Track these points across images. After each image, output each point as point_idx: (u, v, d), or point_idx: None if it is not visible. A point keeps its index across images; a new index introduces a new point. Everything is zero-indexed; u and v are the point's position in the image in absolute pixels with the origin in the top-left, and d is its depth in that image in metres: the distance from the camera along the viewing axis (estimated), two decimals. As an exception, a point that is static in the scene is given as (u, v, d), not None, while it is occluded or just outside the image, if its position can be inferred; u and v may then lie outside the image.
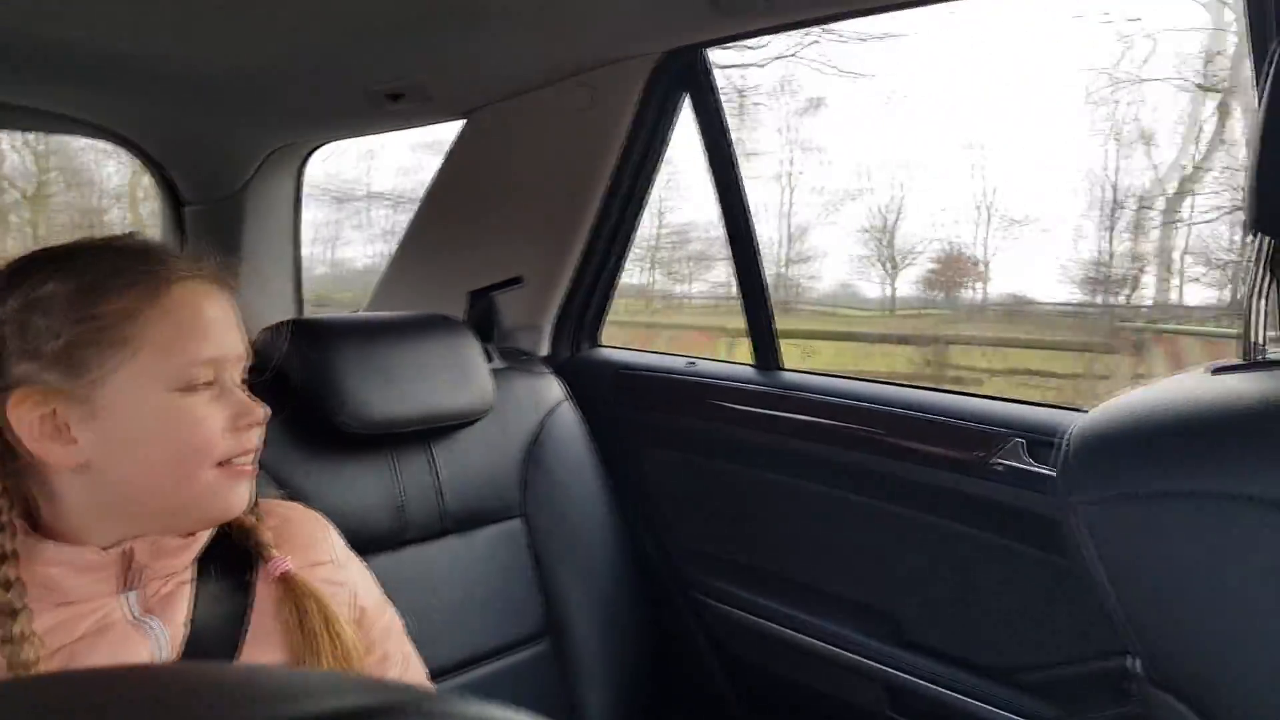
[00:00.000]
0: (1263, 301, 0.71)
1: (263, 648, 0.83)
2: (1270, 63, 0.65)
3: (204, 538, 0.84)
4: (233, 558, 0.87)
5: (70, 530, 0.77)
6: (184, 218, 2.16)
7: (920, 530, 1.37)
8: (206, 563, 0.84)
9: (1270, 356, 0.70)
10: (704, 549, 1.66)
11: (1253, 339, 0.71)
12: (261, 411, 0.81)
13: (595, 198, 1.76)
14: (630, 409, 1.76)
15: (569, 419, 1.62)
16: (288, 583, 0.86)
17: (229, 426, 0.79)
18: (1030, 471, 1.23)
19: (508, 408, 1.53)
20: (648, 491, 1.72)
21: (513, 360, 1.68)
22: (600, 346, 1.94)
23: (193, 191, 2.15)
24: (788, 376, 1.62)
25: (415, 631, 1.28)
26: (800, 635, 1.48)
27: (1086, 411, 0.77)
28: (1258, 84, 0.93)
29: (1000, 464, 1.26)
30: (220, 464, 0.79)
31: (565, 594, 1.48)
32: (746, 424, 1.59)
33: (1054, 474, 1.19)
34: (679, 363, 1.78)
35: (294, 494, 1.22)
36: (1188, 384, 0.71)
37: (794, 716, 1.59)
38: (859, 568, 1.46)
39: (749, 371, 1.67)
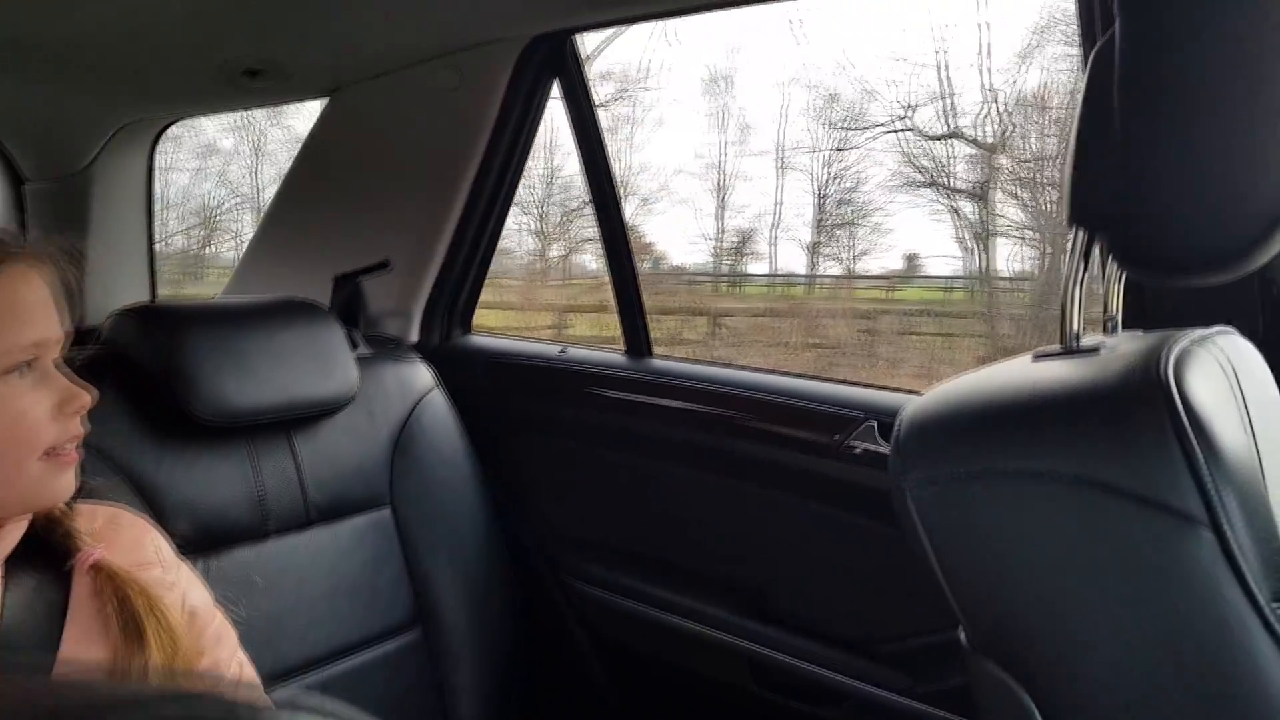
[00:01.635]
0: (1079, 290, 0.75)
1: (85, 643, 0.79)
2: (1087, 63, 0.70)
3: (14, 534, 0.79)
4: (45, 551, 0.81)
5: None
6: (24, 196, 2.03)
7: (782, 510, 1.41)
8: (15, 559, 0.79)
9: (1084, 345, 0.74)
10: (575, 534, 1.67)
11: (1069, 327, 0.76)
12: (88, 396, 0.78)
13: (465, 181, 1.74)
14: (502, 396, 1.75)
15: (439, 407, 1.60)
16: (103, 572, 0.81)
17: (54, 414, 0.76)
18: (881, 453, 1.29)
19: (374, 396, 1.50)
20: (520, 478, 1.72)
21: (380, 347, 1.65)
22: (472, 334, 1.92)
23: (33, 168, 2.02)
24: (656, 364, 1.64)
25: (281, 622, 1.27)
26: (668, 615, 1.51)
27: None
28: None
29: (854, 446, 1.31)
30: (46, 453, 0.75)
31: (435, 582, 1.47)
32: (616, 410, 1.61)
33: None
34: (551, 350, 1.79)
35: (144, 486, 1.17)
36: (1011, 370, 0.75)
37: (663, 694, 1.62)
38: (724, 548, 1.49)
39: (619, 359, 1.68)
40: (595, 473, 1.64)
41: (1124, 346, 0.70)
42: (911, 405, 0.75)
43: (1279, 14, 0.61)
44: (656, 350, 1.68)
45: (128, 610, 0.80)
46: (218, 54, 1.57)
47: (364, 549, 1.42)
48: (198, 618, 0.90)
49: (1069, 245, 0.73)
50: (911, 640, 1.30)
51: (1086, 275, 0.74)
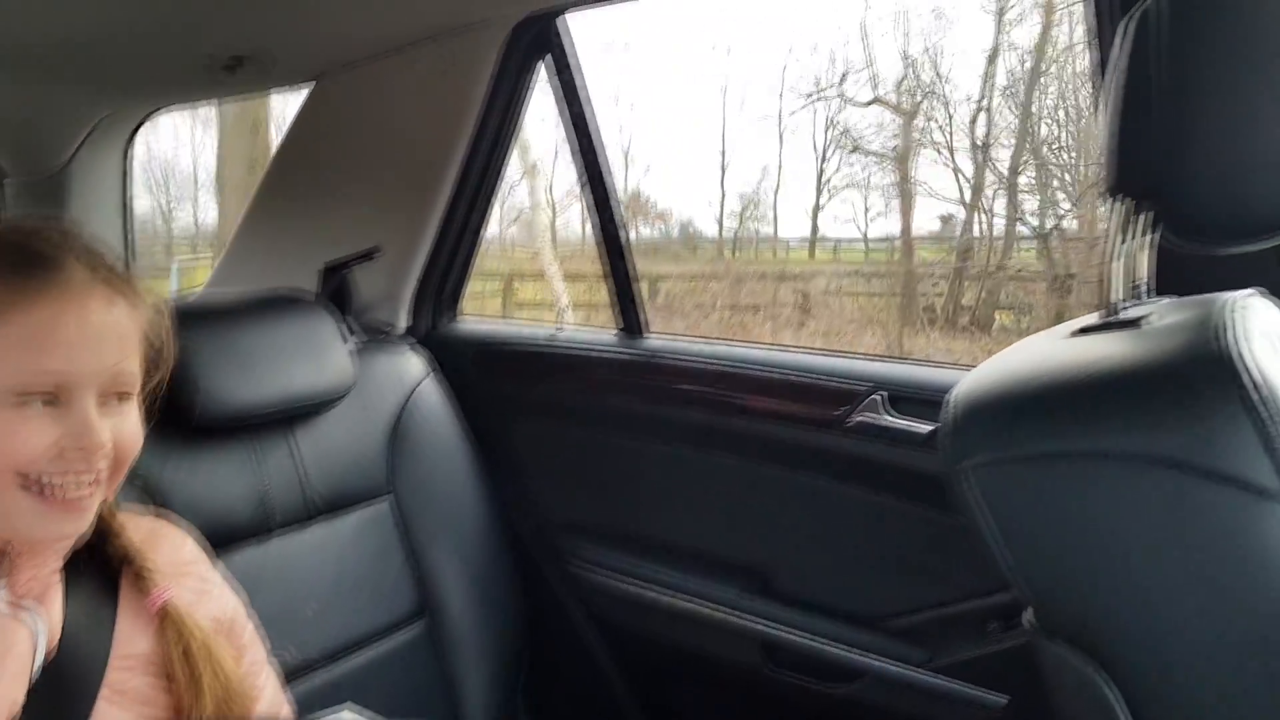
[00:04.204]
0: (1119, 263, 0.74)
1: (132, 640, 0.82)
2: (1126, 31, 0.69)
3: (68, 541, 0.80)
4: (100, 558, 0.84)
5: None
6: (4, 192, 1.98)
7: (787, 487, 1.41)
8: (76, 560, 0.81)
9: (1125, 316, 0.73)
10: (576, 518, 1.67)
11: (1113, 299, 0.75)
12: (93, 439, 0.74)
13: (453, 165, 1.71)
14: (495, 381, 1.74)
15: (433, 394, 1.59)
16: (170, 616, 0.84)
17: (53, 450, 0.73)
18: (890, 426, 1.29)
19: (369, 386, 1.49)
20: (517, 463, 1.71)
21: (371, 336, 1.63)
22: (462, 318, 1.90)
23: (13, 165, 1.98)
24: (652, 342, 1.64)
25: (288, 621, 1.26)
26: (675, 598, 1.51)
27: (958, 367, 0.79)
28: (1107, 51, 0.99)
29: (861, 419, 1.31)
30: (31, 485, 0.73)
31: (438, 573, 1.46)
32: (612, 391, 1.60)
33: (911, 426, 1.27)
34: (543, 333, 1.78)
35: (149, 489, 1.16)
36: (1060, 345, 0.74)
37: (673, 679, 1.62)
38: (729, 527, 1.49)
39: (613, 339, 1.67)
40: (593, 455, 1.64)
41: (1169, 317, 0.70)
42: (963, 385, 0.74)
43: None
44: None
45: (189, 658, 0.82)
46: (199, 44, 1.54)
47: (367, 541, 1.41)
48: (236, 623, 0.94)
49: (1110, 215, 0.72)
50: (927, 613, 1.31)
51: (1128, 245, 0.73)
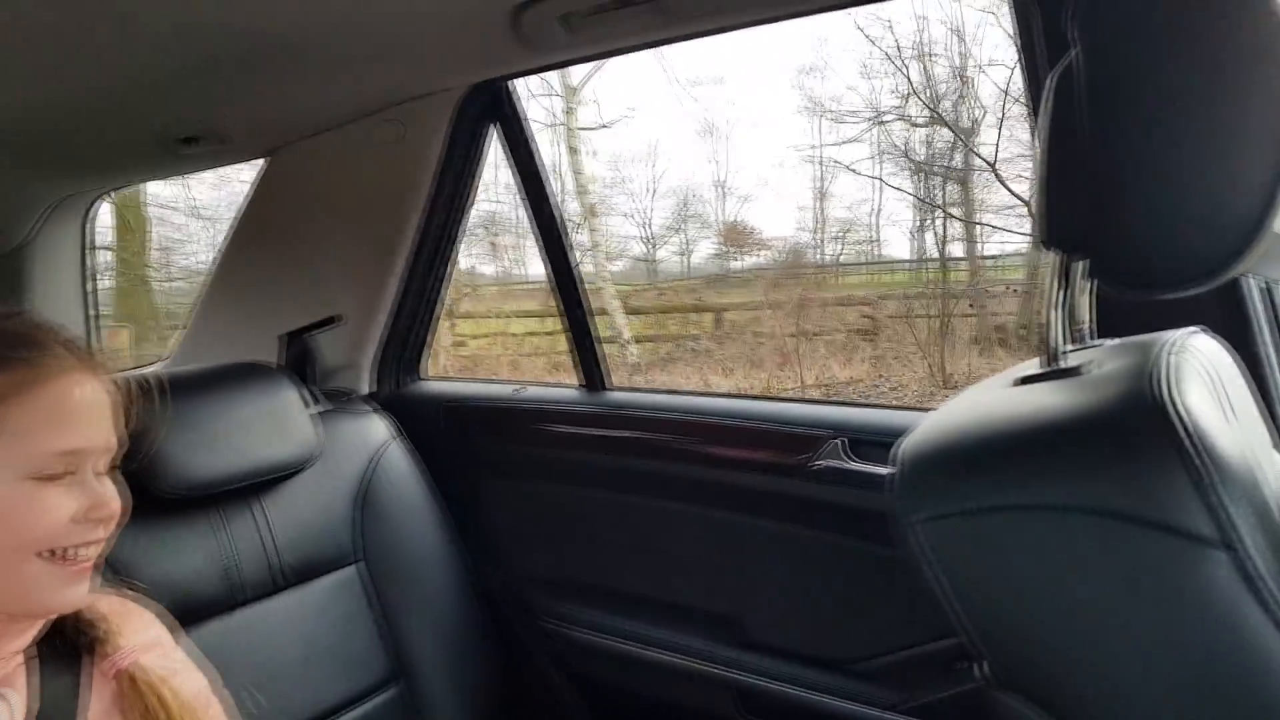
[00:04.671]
0: (1057, 313, 0.75)
1: None
2: (1051, 85, 0.70)
3: (40, 623, 0.82)
4: (66, 640, 0.85)
5: None
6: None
7: (753, 534, 1.43)
8: (44, 642, 0.83)
9: (1067, 364, 0.74)
10: (546, 574, 1.67)
11: (1052, 348, 0.75)
12: (116, 505, 0.80)
13: (410, 231, 1.74)
14: (460, 440, 1.75)
15: (399, 457, 1.59)
16: (130, 678, 0.84)
17: (78, 517, 0.77)
18: (851, 470, 1.31)
19: (334, 451, 1.49)
20: (486, 522, 1.72)
21: (335, 401, 1.64)
22: (424, 380, 1.92)
23: (-31, 247, 1.98)
24: (614, 396, 1.66)
25: (260, 692, 1.24)
26: (649, 650, 1.52)
27: (916, 409, 0.80)
28: (1034, 111, 1.02)
29: (822, 464, 1.34)
30: (52, 555, 0.76)
31: (410, 636, 1.45)
32: (577, 446, 1.62)
33: (872, 470, 1.29)
34: (505, 390, 1.79)
35: (119, 566, 1.15)
36: (1001, 396, 0.75)
37: (649, 729, 1.62)
38: (699, 576, 1.50)
39: (576, 393, 1.69)
40: (561, 510, 1.65)
41: (1109, 364, 0.70)
42: (909, 441, 0.74)
43: (1242, 18, 0.61)
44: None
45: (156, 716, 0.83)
46: (153, 123, 1.56)
47: (336, 609, 1.40)
48: (203, 702, 0.93)
49: (1047, 269, 0.74)
50: (897, 654, 1.32)
51: (1065, 294, 0.74)
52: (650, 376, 6.43)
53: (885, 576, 1.31)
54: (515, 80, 1.64)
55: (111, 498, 0.80)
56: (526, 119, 1.66)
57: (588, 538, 1.62)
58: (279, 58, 1.34)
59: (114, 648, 0.86)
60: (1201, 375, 0.67)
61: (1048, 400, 0.70)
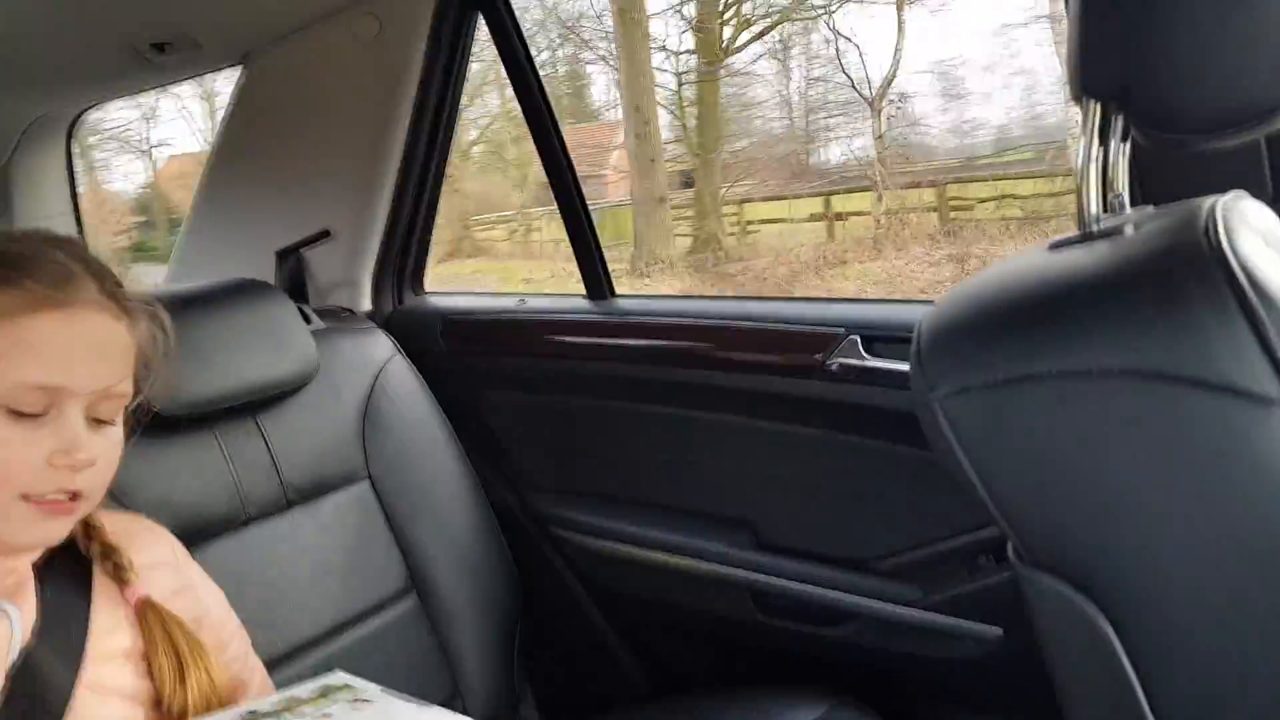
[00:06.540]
0: (1093, 170, 0.70)
1: (109, 636, 0.82)
2: None
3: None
4: (77, 555, 0.84)
5: None
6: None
7: (768, 437, 1.40)
8: (50, 558, 0.82)
9: (1103, 227, 0.69)
10: (556, 485, 1.65)
11: (1088, 209, 0.70)
12: (83, 455, 0.74)
13: (399, 135, 1.67)
14: (464, 355, 1.72)
15: (402, 373, 1.55)
16: (149, 607, 0.84)
17: (44, 461, 0.73)
18: (867, 367, 1.28)
19: (335, 370, 1.46)
20: (493, 435, 1.69)
21: (333, 320, 1.59)
22: (425, 294, 1.87)
23: (-49, 172, 1.92)
24: (620, 303, 1.62)
25: (274, 608, 1.24)
26: (664, 555, 1.50)
27: (930, 303, 0.77)
28: None
29: (836, 363, 1.30)
30: (28, 498, 0.73)
31: (424, 549, 1.44)
32: (583, 355, 1.59)
33: (889, 366, 1.26)
34: (509, 302, 1.75)
35: (116, 487, 1.13)
36: (1028, 263, 0.71)
37: (666, 635, 1.62)
38: (711, 481, 1.49)
39: (581, 302, 1.65)
40: (569, 421, 1.62)
41: (1150, 224, 0.66)
42: (930, 314, 0.70)
43: None
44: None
45: (172, 649, 0.82)
46: (122, 30, 1.49)
47: (348, 524, 1.39)
48: (215, 618, 0.94)
49: (1081, 123, 0.69)
50: (916, 551, 1.30)
51: (1101, 151, 0.68)
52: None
53: (905, 474, 1.29)
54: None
55: (80, 445, 0.74)
56: (511, 5, 1.57)
57: (597, 448, 1.60)
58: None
59: (122, 565, 0.84)
60: (1255, 231, 0.61)
61: (1085, 260, 0.65)
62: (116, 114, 7.74)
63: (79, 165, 2.08)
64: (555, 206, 1.63)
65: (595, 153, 6.95)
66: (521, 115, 1.60)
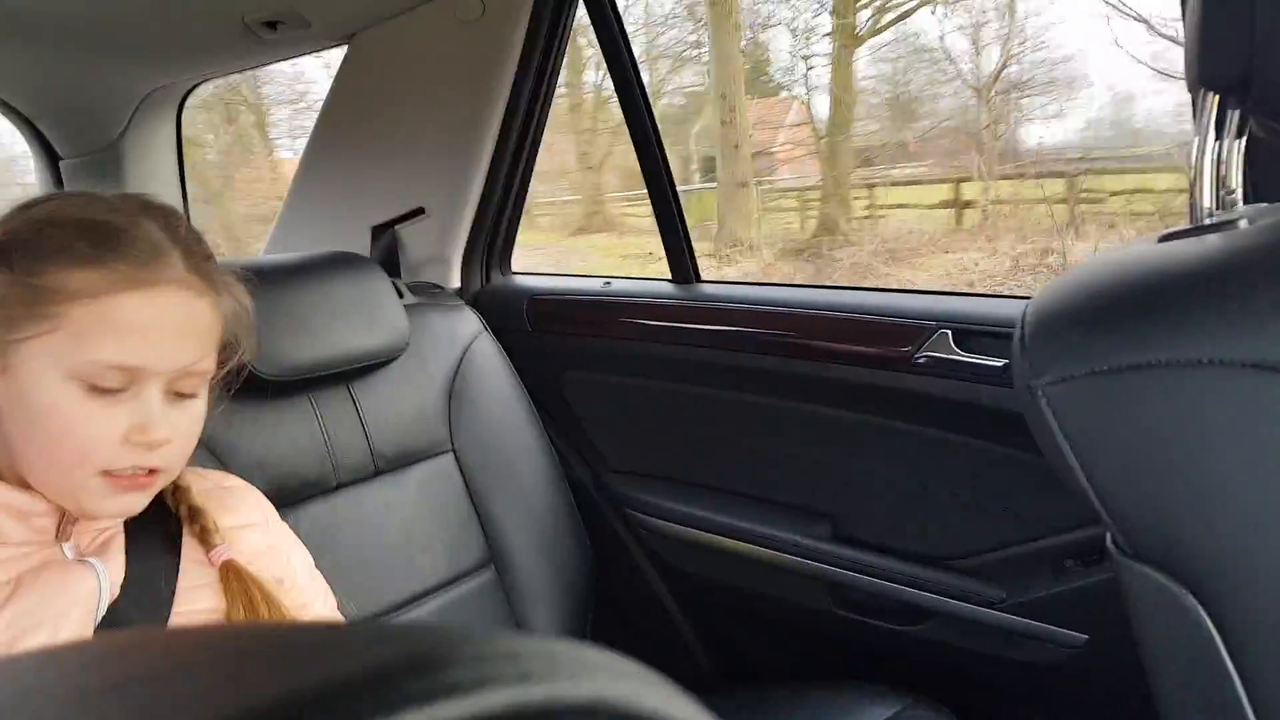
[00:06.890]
0: (1208, 162, 0.69)
1: (194, 595, 0.83)
2: None
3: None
4: (164, 514, 0.86)
5: (17, 475, 0.77)
6: (60, 172, 2.02)
7: (849, 429, 1.39)
8: (140, 516, 0.82)
9: (1215, 219, 0.68)
10: (636, 468, 1.66)
11: (1200, 202, 0.69)
12: (157, 434, 0.75)
13: (495, 117, 1.69)
14: (548, 334, 1.73)
15: (488, 351, 1.58)
16: (233, 569, 0.85)
17: (122, 438, 0.74)
18: (957, 361, 1.25)
19: (424, 344, 1.49)
20: (573, 415, 1.71)
21: (424, 295, 1.63)
22: (513, 274, 1.89)
23: (67, 145, 2.00)
24: (705, 289, 1.61)
25: (359, 573, 1.28)
26: (738, 542, 1.50)
27: (1024, 299, 0.75)
28: None
29: (926, 356, 1.28)
30: (105, 472, 0.75)
31: (502, 523, 1.47)
32: (666, 339, 1.59)
33: (980, 361, 1.23)
34: (594, 284, 1.76)
35: (217, 448, 1.18)
36: (1137, 252, 0.69)
37: (739, 621, 1.62)
38: (790, 471, 1.48)
39: (666, 287, 1.65)
40: (649, 404, 1.63)
41: (1264, 218, 0.64)
42: (1036, 301, 0.68)
43: None
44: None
45: (254, 613, 0.83)
46: (238, 8, 1.54)
47: (430, 496, 1.42)
48: (302, 580, 0.96)
49: (1197, 112, 0.67)
50: (1000, 552, 1.28)
51: (1218, 145, 0.67)
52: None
53: (992, 472, 1.26)
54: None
55: (156, 424, 0.74)
56: (614, -2, 1.58)
57: (677, 432, 1.60)
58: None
59: (209, 525, 0.86)
60: None
61: (1197, 251, 0.63)
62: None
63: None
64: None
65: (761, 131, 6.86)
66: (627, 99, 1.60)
